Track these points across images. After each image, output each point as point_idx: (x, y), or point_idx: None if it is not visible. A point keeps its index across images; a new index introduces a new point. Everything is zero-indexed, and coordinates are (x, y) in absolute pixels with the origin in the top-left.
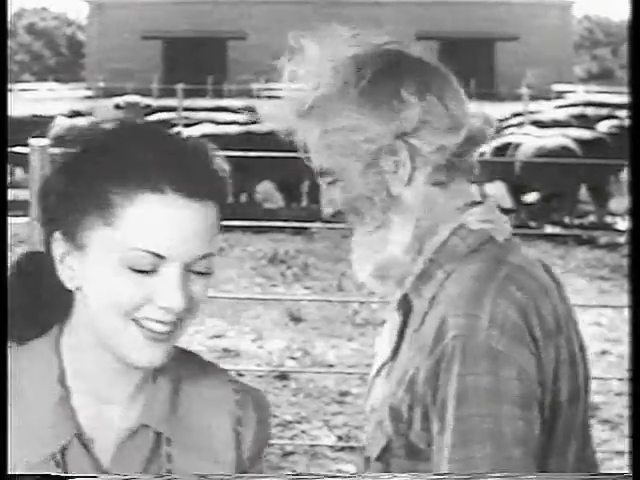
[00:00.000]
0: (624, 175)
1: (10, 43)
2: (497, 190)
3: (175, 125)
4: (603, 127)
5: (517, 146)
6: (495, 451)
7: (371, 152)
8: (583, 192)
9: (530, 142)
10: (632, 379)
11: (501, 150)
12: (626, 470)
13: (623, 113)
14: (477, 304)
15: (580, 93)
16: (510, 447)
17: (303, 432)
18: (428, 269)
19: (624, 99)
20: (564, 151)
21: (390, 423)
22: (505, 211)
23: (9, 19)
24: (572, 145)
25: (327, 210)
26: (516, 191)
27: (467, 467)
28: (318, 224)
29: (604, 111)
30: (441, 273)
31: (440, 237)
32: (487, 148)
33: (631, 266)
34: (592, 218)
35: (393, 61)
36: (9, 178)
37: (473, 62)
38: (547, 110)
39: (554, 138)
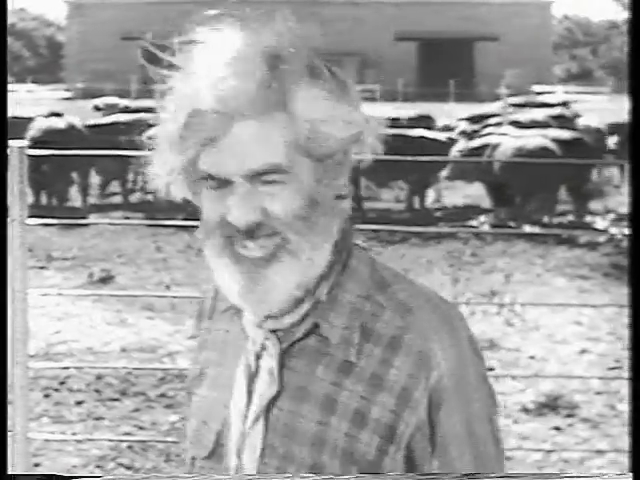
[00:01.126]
0: (603, 174)
1: None
2: (476, 190)
3: (154, 126)
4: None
5: (495, 147)
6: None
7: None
8: (562, 192)
9: (509, 142)
10: (632, 379)
11: (479, 150)
12: (607, 470)
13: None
14: (454, 335)
15: (559, 93)
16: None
17: None
18: (336, 294)
19: (603, 99)
20: (544, 152)
21: (339, 467)
22: (484, 211)
23: None
24: (552, 145)
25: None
26: (495, 191)
27: None
28: None
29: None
30: (354, 298)
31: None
32: (464, 148)
33: (631, 266)
34: (571, 217)
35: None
36: None
37: (452, 62)
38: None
39: (533, 138)
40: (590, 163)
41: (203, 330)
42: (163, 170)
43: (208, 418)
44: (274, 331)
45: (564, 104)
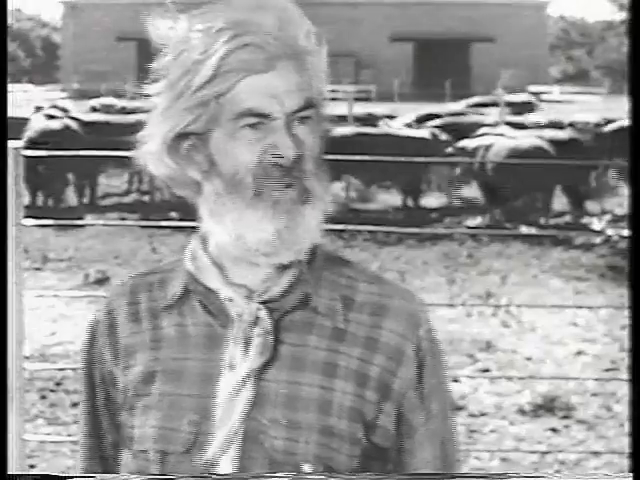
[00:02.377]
0: (600, 176)
1: None
2: (471, 192)
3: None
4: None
5: (488, 147)
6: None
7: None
8: (558, 193)
9: (503, 143)
10: (632, 379)
11: (473, 151)
12: (603, 471)
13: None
14: (420, 299)
15: (555, 94)
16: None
17: None
18: (315, 267)
19: (599, 99)
20: (538, 152)
21: (347, 426)
22: (479, 211)
23: None
24: (546, 146)
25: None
26: (489, 192)
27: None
28: None
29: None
30: (327, 272)
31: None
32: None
33: (631, 266)
34: (568, 218)
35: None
36: None
37: (448, 63)
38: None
39: (528, 139)
40: (588, 164)
41: (133, 333)
42: (157, 138)
43: (177, 412)
44: (263, 303)
45: (529, 104)
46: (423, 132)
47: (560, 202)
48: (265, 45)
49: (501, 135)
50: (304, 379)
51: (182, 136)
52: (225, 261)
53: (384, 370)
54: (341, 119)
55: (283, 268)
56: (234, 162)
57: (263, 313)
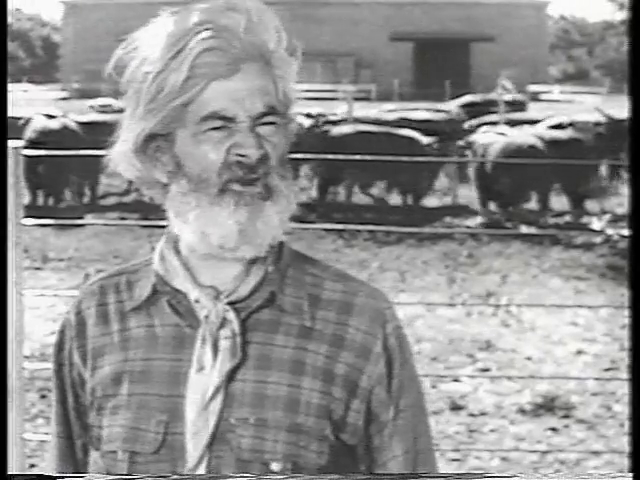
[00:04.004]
0: (601, 175)
1: None
2: (468, 191)
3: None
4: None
5: (485, 145)
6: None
7: None
8: (559, 192)
9: (497, 141)
10: (632, 379)
11: (467, 149)
12: (602, 470)
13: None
14: (386, 296)
15: (556, 93)
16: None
17: None
18: (280, 267)
19: (599, 99)
20: (531, 150)
21: (315, 423)
22: (474, 212)
23: None
24: (539, 144)
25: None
26: (486, 191)
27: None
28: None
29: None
30: (292, 271)
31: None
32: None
33: (631, 266)
34: (568, 218)
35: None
36: None
37: (448, 63)
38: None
39: (521, 137)
40: (589, 163)
41: (101, 334)
42: (132, 140)
43: (146, 413)
44: (230, 303)
45: (520, 104)
46: (409, 132)
47: (560, 202)
48: (230, 48)
49: (502, 134)
50: (271, 377)
51: (149, 138)
52: (193, 262)
53: (351, 367)
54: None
55: (249, 267)
56: (199, 162)
57: (230, 315)
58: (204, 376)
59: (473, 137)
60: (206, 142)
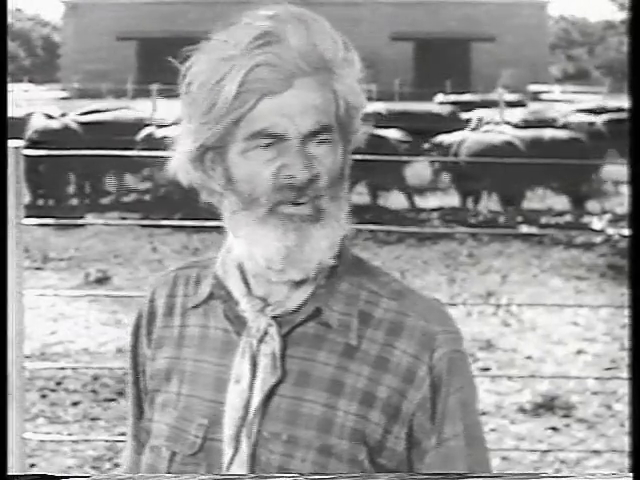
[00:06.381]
0: (601, 175)
1: None
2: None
3: (149, 125)
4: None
5: (460, 143)
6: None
7: None
8: (559, 192)
9: (475, 139)
10: (632, 378)
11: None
12: (603, 470)
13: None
14: (448, 319)
15: (556, 93)
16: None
17: None
18: (333, 282)
19: (599, 99)
20: (509, 147)
21: (348, 447)
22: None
23: None
24: (516, 142)
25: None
26: (466, 191)
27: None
28: None
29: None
30: (348, 286)
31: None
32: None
33: (631, 265)
34: (568, 218)
35: None
36: None
37: (449, 62)
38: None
39: (498, 135)
40: (589, 163)
41: (165, 326)
42: (188, 148)
43: (189, 414)
44: (275, 317)
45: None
46: (393, 132)
47: (560, 201)
48: (284, 63)
49: (501, 133)
50: (308, 395)
51: (204, 150)
52: (249, 272)
53: (393, 391)
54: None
55: (299, 283)
56: (249, 180)
57: (273, 329)
58: (241, 388)
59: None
60: (255, 160)
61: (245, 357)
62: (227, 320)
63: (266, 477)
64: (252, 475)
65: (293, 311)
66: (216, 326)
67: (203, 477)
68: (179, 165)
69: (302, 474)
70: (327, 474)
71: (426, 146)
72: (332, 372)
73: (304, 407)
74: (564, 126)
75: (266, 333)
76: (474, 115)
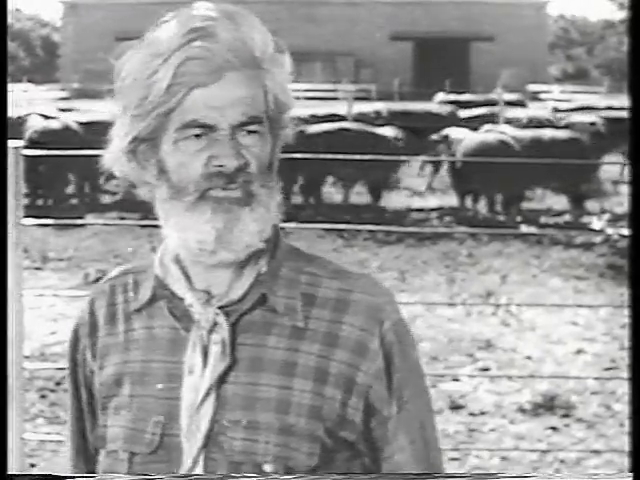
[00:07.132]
0: (601, 175)
1: None
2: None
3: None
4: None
5: (457, 142)
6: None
7: None
8: (558, 192)
9: (470, 138)
10: (632, 378)
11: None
12: (602, 470)
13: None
14: (388, 291)
15: (555, 93)
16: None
17: None
18: (273, 268)
19: (599, 99)
20: (502, 146)
21: (306, 424)
22: (455, 210)
23: None
24: (510, 141)
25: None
26: (465, 191)
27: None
28: (293, 224)
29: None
30: (287, 271)
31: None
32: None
33: (631, 265)
34: (567, 218)
35: None
36: None
37: (448, 62)
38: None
39: (494, 134)
40: (589, 163)
41: (109, 334)
42: (122, 141)
43: (144, 414)
44: (221, 307)
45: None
46: (389, 130)
47: (559, 201)
48: (214, 57)
49: (503, 132)
50: (262, 380)
51: (136, 141)
52: (189, 266)
53: (346, 365)
54: (341, 118)
55: (241, 270)
56: (179, 170)
57: (221, 319)
58: (194, 379)
59: (445, 132)
60: (186, 150)
61: (196, 349)
62: (174, 318)
63: (263, 478)
64: (248, 475)
65: (238, 300)
66: (162, 325)
67: (203, 477)
68: (114, 158)
69: (302, 475)
70: (327, 474)
71: (433, 137)
72: (283, 354)
73: (260, 391)
74: (564, 126)
75: (215, 323)
76: (473, 114)
